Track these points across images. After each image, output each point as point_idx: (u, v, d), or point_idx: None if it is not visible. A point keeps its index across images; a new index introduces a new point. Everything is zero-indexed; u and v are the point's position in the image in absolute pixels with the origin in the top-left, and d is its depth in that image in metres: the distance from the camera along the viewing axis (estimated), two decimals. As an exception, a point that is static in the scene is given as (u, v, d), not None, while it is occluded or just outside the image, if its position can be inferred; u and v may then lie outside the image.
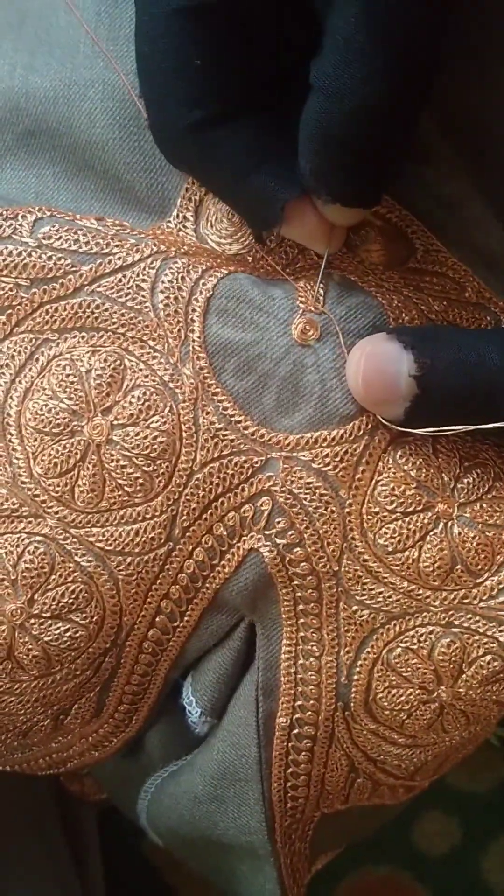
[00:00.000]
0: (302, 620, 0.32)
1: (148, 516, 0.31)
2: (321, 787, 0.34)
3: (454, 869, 0.52)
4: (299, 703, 0.33)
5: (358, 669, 0.32)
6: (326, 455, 0.31)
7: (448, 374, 0.28)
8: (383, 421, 0.30)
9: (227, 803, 0.34)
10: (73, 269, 0.30)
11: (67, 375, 0.30)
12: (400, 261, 0.32)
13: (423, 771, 0.36)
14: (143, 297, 0.30)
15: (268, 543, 0.31)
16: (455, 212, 0.31)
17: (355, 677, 0.32)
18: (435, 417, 0.29)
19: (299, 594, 0.32)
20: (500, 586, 0.32)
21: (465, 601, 0.32)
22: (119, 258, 0.30)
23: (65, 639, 0.31)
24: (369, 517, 0.31)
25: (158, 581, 0.31)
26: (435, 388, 0.28)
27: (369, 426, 0.31)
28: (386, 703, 0.33)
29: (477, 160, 0.31)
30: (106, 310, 0.30)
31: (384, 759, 0.34)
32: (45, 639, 0.31)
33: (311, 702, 0.33)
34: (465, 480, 0.32)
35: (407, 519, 0.31)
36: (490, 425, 0.28)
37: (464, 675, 0.32)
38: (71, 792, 0.40)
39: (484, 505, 0.32)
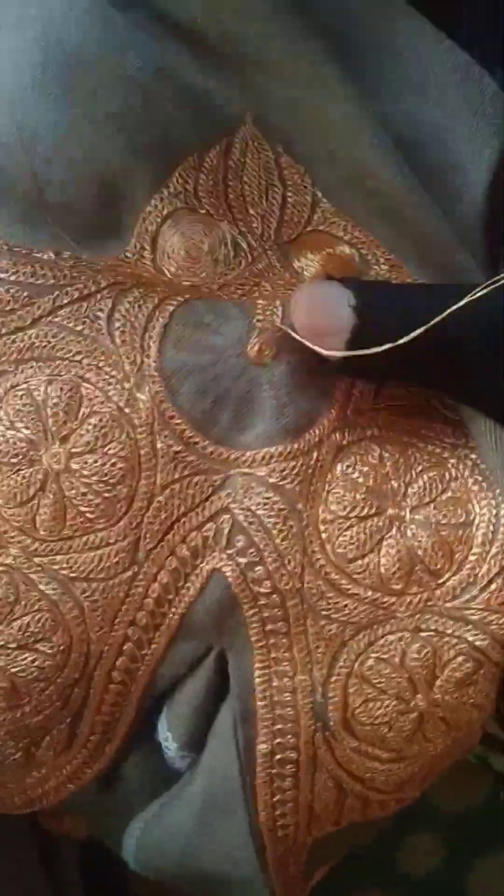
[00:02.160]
0: (272, 641, 0.32)
1: (111, 541, 0.31)
2: (310, 813, 0.34)
3: (441, 888, 0.51)
4: (278, 726, 0.32)
5: (332, 686, 0.32)
6: (283, 469, 0.31)
7: (387, 309, 0.29)
8: (324, 353, 0.30)
9: (216, 835, 0.33)
10: (31, 301, 0.31)
11: (24, 405, 0.30)
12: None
13: (411, 783, 0.35)
14: (100, 325, 0.31)
15: (230, 563, 0.31)
16: (412, 225, 0.32)
17: (331, 694, 0.32)
18: (376, 355, 0.30)
19: (266, 614, 0.32)
20: (463, 585, 0.32)
21: (430, 603, 0.32)
22: (76, 290, 0.31)
23: (32, 669, 0.31)
24: (325, 527, 0.31)
25: (124, 607, 0.31)
26: (374, 320, 0.29)
27: (318, 438, 0.31)
28: (365, 718, 0.32)
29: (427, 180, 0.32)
30: (63, 338, 0.31)
31: (371, 777, 0.34)
32: (13, 670, 0.31)
33: (290, 724, 0.32)
34: (416, 485, 0.32)
35: (362, 524, 0.31)
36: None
37: (438, 681, 0.32)
38: (50, 829, 0.39)
39: (437, 506, 0.32)
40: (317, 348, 0.30)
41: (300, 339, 0.30)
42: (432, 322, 0.28)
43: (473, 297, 0.28)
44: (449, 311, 0.28)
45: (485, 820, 0.51)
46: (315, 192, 0.32)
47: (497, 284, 0.29)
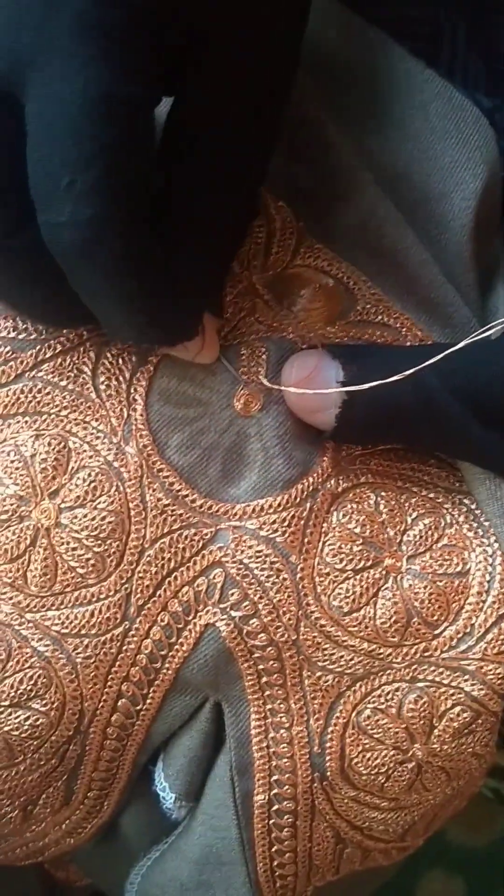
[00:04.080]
0: (268, 693, 0.32)
1: (102, 596, 0.31)
2: (309, 862, 0.34)
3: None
4: (275, 777, 0.32)
5: (329, 736, 0.32)
6: (274, 521, 0.31)
7: (375, 377, 0.29)
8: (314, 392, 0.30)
9: (215, 888, 0.33)
10: (14, 355, 0.31)
11: (12, 461, 0.30)
12: (341, 314, 0.32)
13: (412, 832, 0.35)
14: (85, 378, 0.31)
15: (224, 617, 0.31)
16: (396, 259, 0.32)
17: (328, 745, 0.32)
18: (367, 425, 0.30)
19: (261, 666, 0.32)
20: (459, 635, 0.32)
21: (427, 654, 0.32)
22: (59, 342, 0.31)
23: (25, 727, 0.31)
24: (321, 579, 0.31)
25: (117, 663, 0.31)
26: (361, 393, 0.29)
27: (311, 488, 0.31)
28: (362, 768, 0.32)
29: (412, 210, 0.32)
30: (48, 393, 0.31)
31: (370, 826, 0.34)
32: (6, 728, 0.31)
33: (287, 775, 0.32)
34: (412, 532, 0.32)
35: (358, 576, 0.31)
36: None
37: (436, 730, 0.32)
38: (56, 879, 0.39)
39: (433, 555, 0.32)
40: (312, 423, 0.31)
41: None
42: (421, 365, 0.28)
43: (456, 349, 0.28)
44: (435, 358, 0.28)
45: (503, 856, 0.51)
46: (299, 228, 0.32)
47: (478, 338, 0.28)
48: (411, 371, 0.28)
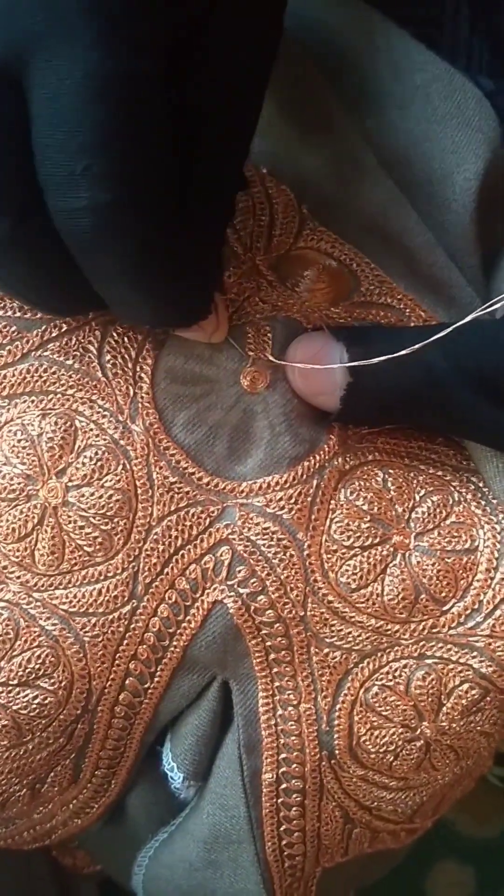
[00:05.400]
0: (275, 670, 0.32)
1: (110, 574, 0.31)
2: (318, 842, 0.33)
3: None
4: (283, 756, 0.32)
5: (337, 714, 0.32)
6: (280, 499, 0.31)
7: (380, 363, 0.29)
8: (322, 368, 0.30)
9: (223, 868, 0.33)
10: (20, 335, 0.31)
11: (19, 440, 0.30)
12: (345, 295, 0.32)
13: (420, 812, 0.35)
14: (91, 357, 0.31)
15: (231, 594, 0.31)
16: (399, 241, 0.32)
17: (336, 723, 0.32)
18: (372, 407, 0.30)
19: (269, 643, 0.32)
20: (467, 612, 0.32)
21: (434, 630, 0.32)
22: (65, 322, 0.31)
23: (34, 706, 0.31)
24: (328, 556, 0.31)
25: (125, 642, 0.31)
26: (366, 375, 0.29)
27: (317, 465, 0.31)
28: (370, 747, 0.32)
29: (414, 192, 0.32)
30: (54, 373, 0.31)
31: (378, 806, 0.34)
32: (14, 707, 0.31)
33: (295, 753, 0.32)
34: (420, 510, 0.32)
35: (365, 553, 0.31)
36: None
37: (444, 708, 0.32)
38: (64, 866, 0.39)
39: (441, 532, 0.32)
40: (317, 405, 0.31)
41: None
42: (425, 341, 0.28)
43: (459, 325, 0.28)
44: (440, 334, 0.28)
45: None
46: (302, 211, 0.32)
47: (482, 314, 0.28)
48: (416, 346, 0.28)
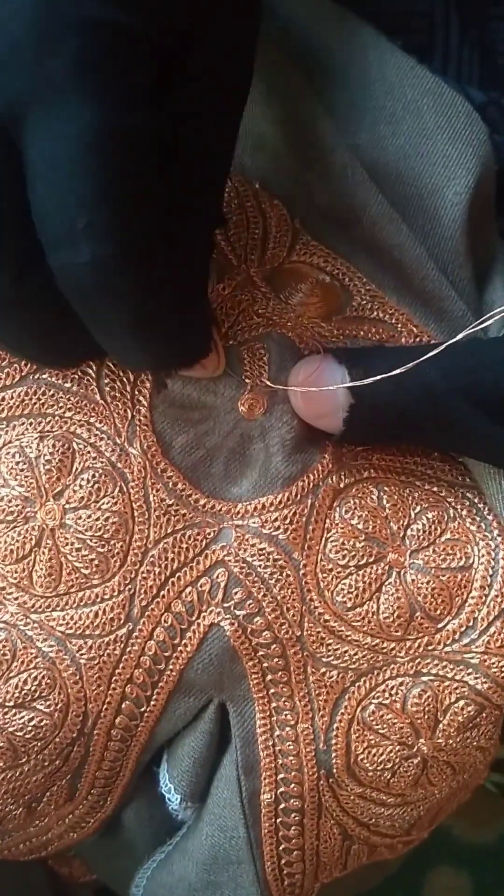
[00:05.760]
0: (273, 691, 0.32)
1: (106, 597, 0.31)
2: (317, 860, 0.34)
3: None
4: (281, 776, 0.32)
5: (335, 733, 0.32)
6: (276, 519, 0.31)
7: (380, 383, 0.29)
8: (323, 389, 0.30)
9: (223, 888, 0.33)
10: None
11: (17, 463, 0.30)
12: (337, 310, 0.32)
13: (418, 825, 0.35)
14: (89, 380, 0.31)
15: (227, 616, 0.31)
16: (391, 255, 0.32)
17: (333, 742, 0.32)
18: (374, 427, 0.30)
19: (266, 664, 0.32)
20: (462, 629, 0.32)
21: (430, 648, 0.32)
22: None
23: (30, 728, 0.31)
24: (324, 575, 0.31)
25: (121, 665, 0.31)
26: (368, 396, 0.29)
27: (312, 485, 0.31)
28: (368, 765, 0.32)
29: (405, 206, 0.32)
30: (52, 395, 0.31)
31: (376, 822, 0.34)
32: (10, 729, 0.31)
33: (294, 773, 0.32)
34: (416, 527, 0.32)
35: (361, 572, 0.31)
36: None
37: (441, 725, 0.32)
38: (61, 875, 0.39)
39: (436, 549, 0.32)
40: (320, 428, 0.31)
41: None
42: (423, 357, 0.28)
43: (455, 341, 0.28)
44: (437, 350, 0.28)
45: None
46: (295, 225, 0.32)
47: (478, 329, 0.29)
48: (414, 363, 0.28)
